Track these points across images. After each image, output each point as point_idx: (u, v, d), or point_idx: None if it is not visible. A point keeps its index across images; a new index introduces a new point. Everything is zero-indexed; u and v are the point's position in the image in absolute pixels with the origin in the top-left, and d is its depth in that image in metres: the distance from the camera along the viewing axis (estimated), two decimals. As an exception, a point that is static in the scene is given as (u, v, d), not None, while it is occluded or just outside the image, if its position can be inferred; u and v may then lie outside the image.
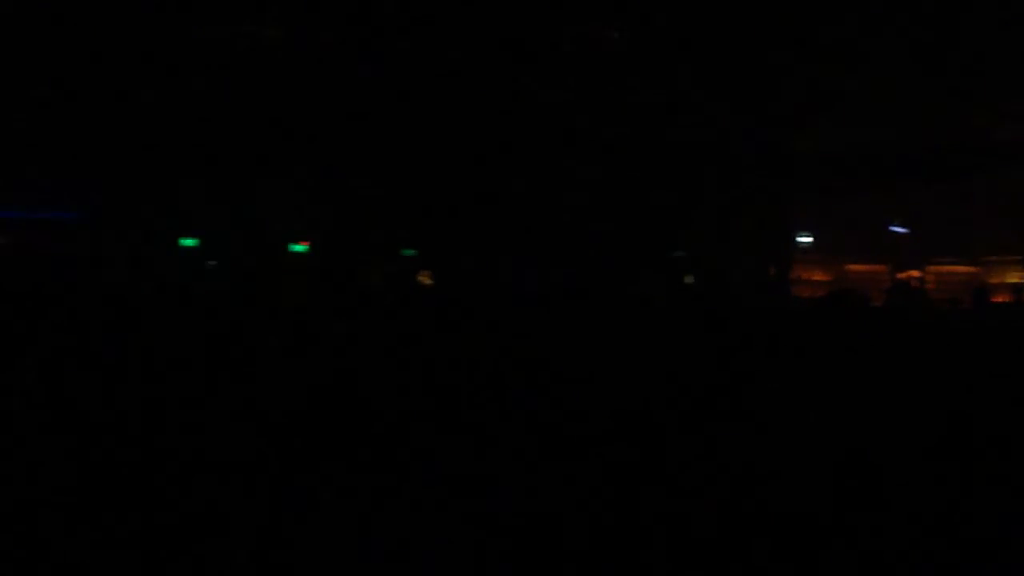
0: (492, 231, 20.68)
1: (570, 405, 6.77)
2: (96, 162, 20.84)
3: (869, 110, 22.39)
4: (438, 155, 20.60)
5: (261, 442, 5.53)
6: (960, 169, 23.85)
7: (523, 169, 21.20)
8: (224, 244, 21.12)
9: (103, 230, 21.50)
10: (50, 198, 22.16)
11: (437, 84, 20.46)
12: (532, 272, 19.26)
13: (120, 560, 3.99)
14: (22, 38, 19.91)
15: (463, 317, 12.05)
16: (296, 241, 21.40)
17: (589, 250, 20.30)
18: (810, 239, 25.72)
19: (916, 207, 25.12)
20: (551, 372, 7.97)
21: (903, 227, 25.72)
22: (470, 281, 19.98)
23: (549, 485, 5.01)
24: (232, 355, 7.91)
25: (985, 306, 20.69)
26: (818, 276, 25.53)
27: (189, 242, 22.05)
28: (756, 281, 22.73)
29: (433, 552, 4.19)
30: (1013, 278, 24.70)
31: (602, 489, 4.99)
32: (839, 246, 25.84)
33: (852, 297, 15.77)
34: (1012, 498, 4.93)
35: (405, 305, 15.30)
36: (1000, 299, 22.98)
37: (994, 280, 24.75)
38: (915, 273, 25.82)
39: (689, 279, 21.88)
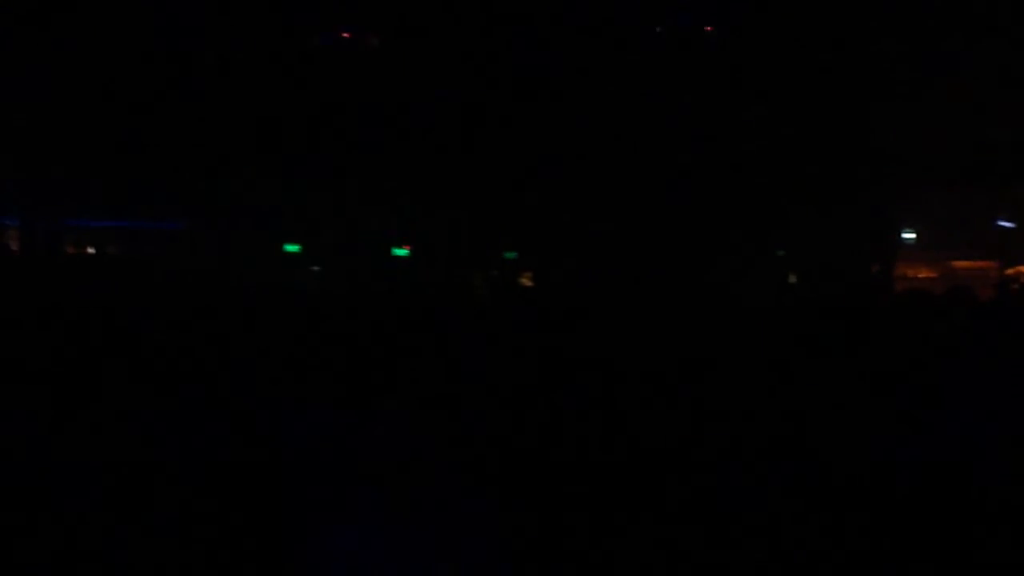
0: (595, 233, 20.66)
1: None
2: (203, 174, 21.31)
3: (977, 104, 21.92)
4: (538, 160, 20.65)
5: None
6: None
7: (621, 168, 21.12)
8: (328, 250, 21.46)
9: (210, 239, 22.00)
10: (158, 209, 22.74)
11: (539, 92, 20.53)
12: (637, 272, 19.22)
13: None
14: (133, 52, 20.42)
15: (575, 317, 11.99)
16: (399, 245, 21.70)
17: (691, 251, 20.18)
18: (914, 235, 25.26)
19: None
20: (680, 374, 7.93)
21: (1011, 222, 25.11)
22: (573, 283, 19.98)
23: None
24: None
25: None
26: (923, 273, 25.06)
27: (293, 248, 22.45)
28: (859, 279, 22.37)
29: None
30: None
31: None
32: (944, 242, 25.33)
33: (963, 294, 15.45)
34: None
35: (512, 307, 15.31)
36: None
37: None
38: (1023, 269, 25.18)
39: (793, 278, 21.62)
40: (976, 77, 21.47)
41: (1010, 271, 24.71)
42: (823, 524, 5.17)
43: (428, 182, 21.13)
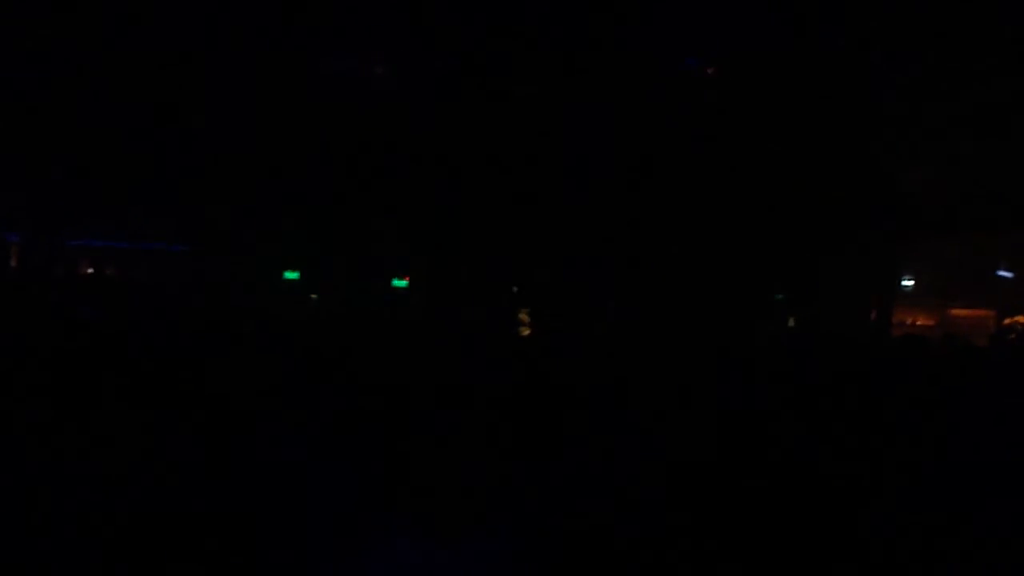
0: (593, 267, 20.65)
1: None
2: (205, 197, 21.36)
3: (977, 151, 22.00)
4: (544, 200, 20.69)
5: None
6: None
7: (625, 215, 21.13)
8: (327, 278, 21.45)
9: (209, 262, 22.02)
10: (159, 231, 22.80)
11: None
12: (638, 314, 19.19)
13: None
14: (141, 74, 20.51)
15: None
16: (399, 277, 21.68)
17: (699, 295, 20.15)
18: (912, 282, 25.27)
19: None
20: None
21: (1009, 272, 25.13)
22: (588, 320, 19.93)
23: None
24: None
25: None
26: (921, 320, 25.05)
27: (292, 275, 22.45)
28: (856, 325, 22.35)
29: None
30: None
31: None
32: (943, 290, 25.33)
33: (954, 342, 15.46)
34: None
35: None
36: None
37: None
38: (1021, 319, 25.17)
39: (791, 323, 21.59)
40: (977, 127, 21.57)
41: (1007, 320, 24.73)
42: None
43: (432, 216, 21.15)
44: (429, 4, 20.42)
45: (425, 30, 20.66)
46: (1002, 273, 25.21)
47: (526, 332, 19.00)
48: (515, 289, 22.22)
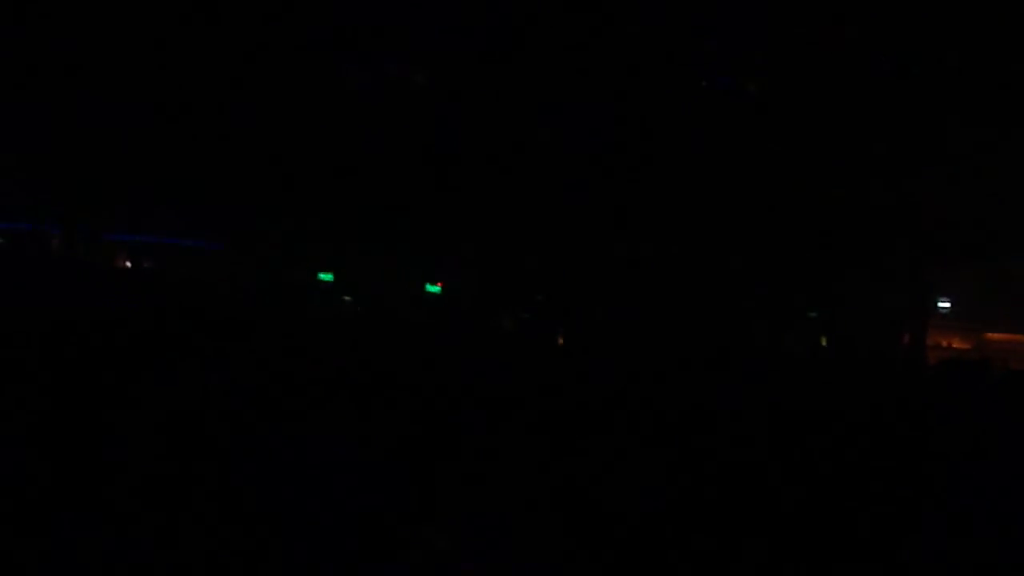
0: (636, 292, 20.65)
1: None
2: (243, 196, 21.56)
3: (1013, 176, 21.82)
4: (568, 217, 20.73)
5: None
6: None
7: (657, 235, 21.12)
8: (362, 281, 21.57)
9: (244, 260, 22.21)
10: (196, 228, 22.99)
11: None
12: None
13: None
14: (177, 78, 20.74)
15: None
16: (432, 282, 21.77)
17: (734, 311, 20.11)
18: (948, 305, 25.01)
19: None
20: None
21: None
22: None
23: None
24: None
25: None
26: (956, 343, 24.79)
27: (326, 277, 22.58)
28: (889, 346, 22.23)
29: None
30: None
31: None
32: (978, 313, 25.05)
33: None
34: None
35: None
36: None
37: None
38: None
39: (824, 341, 21.49)
40: (1013, 150, 21.41)
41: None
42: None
43: (467, 221, 21.22)
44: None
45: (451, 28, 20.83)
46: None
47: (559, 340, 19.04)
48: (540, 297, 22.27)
